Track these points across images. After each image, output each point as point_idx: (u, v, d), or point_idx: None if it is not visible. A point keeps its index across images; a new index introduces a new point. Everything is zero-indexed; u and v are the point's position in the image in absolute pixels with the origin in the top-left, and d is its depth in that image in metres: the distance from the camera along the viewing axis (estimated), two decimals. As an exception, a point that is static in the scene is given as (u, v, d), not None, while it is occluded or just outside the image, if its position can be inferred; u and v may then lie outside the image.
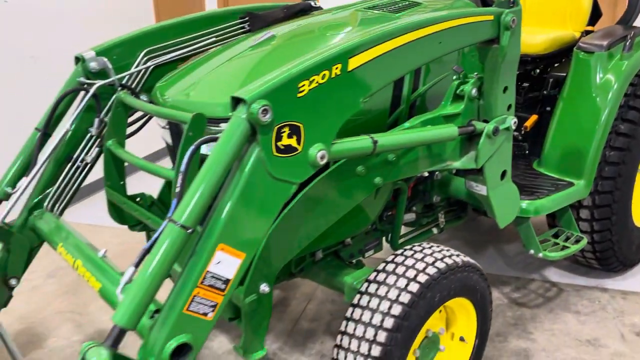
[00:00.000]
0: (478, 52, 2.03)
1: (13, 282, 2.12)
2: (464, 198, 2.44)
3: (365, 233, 2.36)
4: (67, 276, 3.16)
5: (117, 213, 2.12)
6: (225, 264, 1.41)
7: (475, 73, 2.09)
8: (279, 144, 1.43)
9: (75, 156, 2.16)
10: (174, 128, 1.92)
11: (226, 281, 1.42)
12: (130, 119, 2.19)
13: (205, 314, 1.40)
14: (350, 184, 1.86)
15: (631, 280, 3.02)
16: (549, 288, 2.97)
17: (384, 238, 2.48)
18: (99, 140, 2.19)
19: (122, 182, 2.09)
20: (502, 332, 2.61)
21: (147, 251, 1.37)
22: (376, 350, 1.71)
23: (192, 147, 1.43)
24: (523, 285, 3.01)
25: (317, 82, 1.46)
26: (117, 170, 2.07)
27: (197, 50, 2.38)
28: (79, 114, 2.08)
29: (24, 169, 2.08)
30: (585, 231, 2.73)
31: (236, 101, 1.39)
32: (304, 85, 1.44)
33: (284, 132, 1.43)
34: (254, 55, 1.99)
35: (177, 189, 1.40)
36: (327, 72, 1.48)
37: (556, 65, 2.99)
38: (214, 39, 2.42)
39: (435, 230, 2.66)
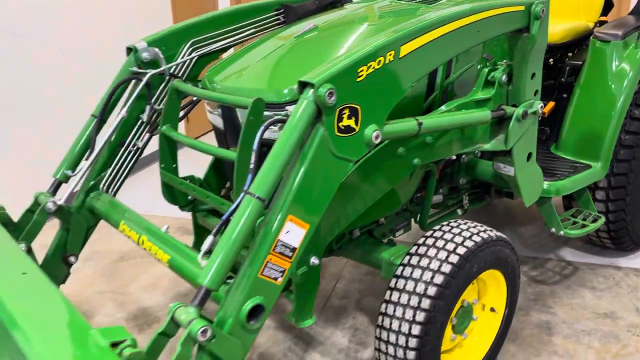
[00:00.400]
0: (508, 41, 2.17)
1: (72, 259, 2.26)
2: (489, 179, 2.58)
3: (397, 213, 2.50)
4: (103, 259, 3.30)
5: (170, 194, 2.25)
6: (293, 233, 1.55)
7: (505, 60, 2.23)
8: (340, 124, 1.57)
9: (127, 141, 2.29)
10: (227, 112, 2.05)
11: (293, 249, 1.57)
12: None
13: (275, 279, 1.55)
14: (392, 165, 2.00)
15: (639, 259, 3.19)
16: (565, 267, 3.13)
17: (412, 219, 2.62)
18: (149, 126, 2.32)
19: (174, 165, 2.22)
20: (524, 307, 2.76)
21: (225, 222, 1.51)
22: (420, 316, 1.86)
23: (262, 128, 1.57)
24: (540, 264, 3.16)
25: (373, 68, 1.60)
26: (171, 153, 2.20)
27: (238, 41, 2.51)
28: (132, 102, 2.21)
29: (82, 154, 2.22)
30: (600, 211, 2.88)
31: (303, 85, 1.53)
32: (362, 71, 1.58)
33: (345, 113, 1.57)
34: (301, 45, 2.13)
35: (252, 165, 1.53)
36: (382, 59, 1.62)
37: (570, 54, 3.13)
38: (252, 30, 2.55)
39: (459, 212, 2.80)
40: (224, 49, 2.50)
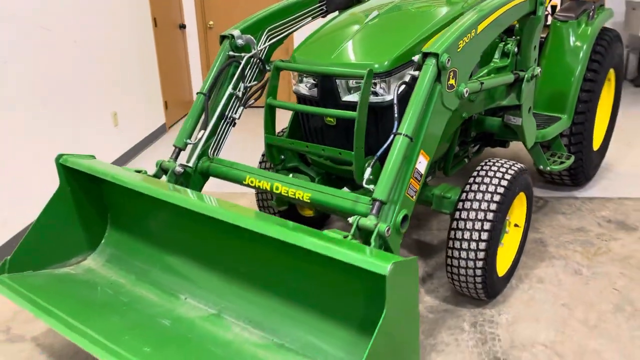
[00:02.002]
0: (518, 22, 2.89)
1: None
2: (495, 131, 3.31)
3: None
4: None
5: (270, 154, 2.75)
6: (422, 164, 2.17)
7: (514, 36, 2.96)
8: (448, 83, 2.19)
9: (226, 114, 2.75)
10: (326, 83, 2.54)
11: (421, 175, 2.18)
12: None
13: (412, 196, 2.15)
14: (453, 117, 2.65)
15: (590, 190, 4.11)
16: (538, 201, 3.98)
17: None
18: (241, 100, 2.79)
19: (274, 129, 2.72)
20: (519, 230, 3.55)
21: (378, 158, 2.09)
22: (487, 225, 2.53)
23: (395, 90, 2.16)
24: (518, 201, 3.98)
25: (464, 42, 2.24)
26: (272, 120, 2.69)
27: (295, 29, 3.04)
28: (233, 81, 2.68)
29: (194, 125, 2.65)
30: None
31: (425, 55, 2.13)
32: (461, 43, 2.21)
33: (450, 74, 2.19)
34: (373, 28, 2.68)
35: (396, 115, 2.12)
36: (470, 34, 2.26)
37: None
38: (305, 19, 3.09)
39: (466, 160, 3.52)
40: (286, 36, 3.01)
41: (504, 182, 2.60)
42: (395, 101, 2.16)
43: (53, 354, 2.53)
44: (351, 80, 2.47)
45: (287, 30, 3.00)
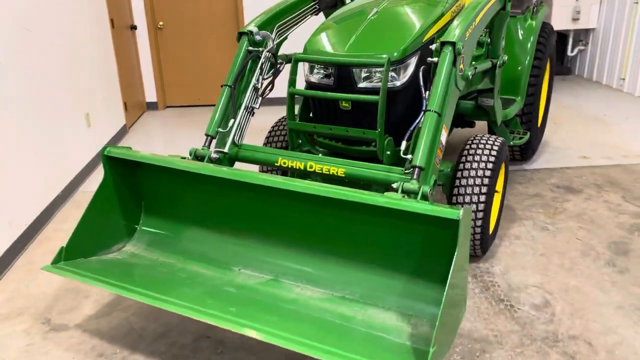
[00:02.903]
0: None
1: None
2: (468, 112, 3.79)
3: None
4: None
5: (292, 138, 3.03)
6: (444, 135, 2.56)
7: (485, 29, 3.45)
8: (459, 67, 2.60)
9: (246, 104, 2.99)
10: (343, 72, 2.85)
11: (443, 145, 2.57)
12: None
13: (437, 164, 2.54)
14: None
15: (536, 163, 4.74)
16: (495, 174, 4.52)
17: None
18: (258, 91, 3.05)
19: (296, 115, 3.00)
20: (488, 199, 4.06)
21: (412, 131, 2.46)
22: (484, 189, 2.98)
23: (422, 72, 2.54)
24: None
25: (470, 31, 2.66)
26: (292, 108, 2.98)
27: (298, 26, 3.34)
28: (256, 74, 2.93)
29: (222, 115, 2.88)
30: (515, 132, 4.32)
31: (442, 44, 2.53)
32: (467, 32, 2.63)
33: (460, 59, 2.60)
34: (377, 24, 3.03)
35: (425, 94, 2.49)
36: (473, 25, 2.69)
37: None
38: (304, 16, 3.39)
39: (441, 140, 3.98)
40: (288, 33, 3.30)
41: (494, 152, 3.06)
42: (421, 82, 2.54)
43: (103, 337, 2.67)
44: (364, 69, 2.82)
45: (291, 27, 3.29)
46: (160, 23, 6.61)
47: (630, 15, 7.02)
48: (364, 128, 2.84)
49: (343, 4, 3.70)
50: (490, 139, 3.15)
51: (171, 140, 5.83)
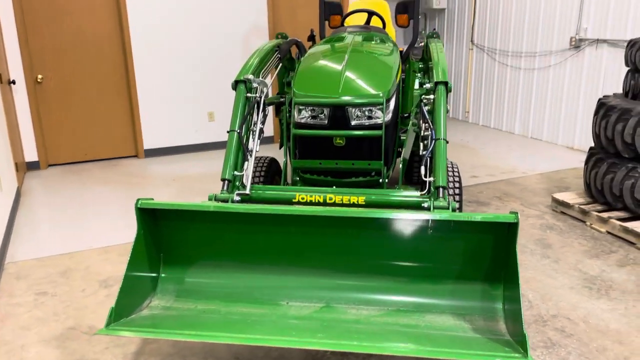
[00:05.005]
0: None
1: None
2: None
3: None
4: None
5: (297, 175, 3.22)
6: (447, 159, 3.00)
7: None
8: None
9: (251, 147, 3.12)
10: (338, 111, 3.14)
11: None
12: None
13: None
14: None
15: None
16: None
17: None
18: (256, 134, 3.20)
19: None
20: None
21: (426, 158, 2.86)
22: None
23: (423, 107, 2.96)
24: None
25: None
26: (295, 148, 3.18)
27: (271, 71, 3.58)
28: (260, 117, 3.09)
29: (235, 159, 2.97)
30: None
31: (436, 83, 3.00)
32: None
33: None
34: (355, 67, 3.37)
35: (430, 125, 2.91)
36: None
37: None
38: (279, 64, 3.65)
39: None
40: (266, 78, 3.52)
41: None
42: (425, 113, 2.97)
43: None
44: (358, 108, 3.16)
45: (267, 74, 3.51)
46: (40, 76, 6.15)
47: (467, 60, 8.41)
48: (356, 160, 3.17)
49: (300, 52, 4.03)
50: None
51: (72, 200, 5.43)
